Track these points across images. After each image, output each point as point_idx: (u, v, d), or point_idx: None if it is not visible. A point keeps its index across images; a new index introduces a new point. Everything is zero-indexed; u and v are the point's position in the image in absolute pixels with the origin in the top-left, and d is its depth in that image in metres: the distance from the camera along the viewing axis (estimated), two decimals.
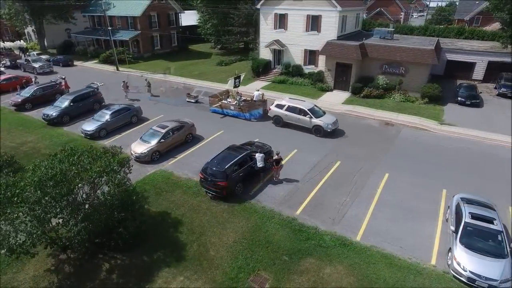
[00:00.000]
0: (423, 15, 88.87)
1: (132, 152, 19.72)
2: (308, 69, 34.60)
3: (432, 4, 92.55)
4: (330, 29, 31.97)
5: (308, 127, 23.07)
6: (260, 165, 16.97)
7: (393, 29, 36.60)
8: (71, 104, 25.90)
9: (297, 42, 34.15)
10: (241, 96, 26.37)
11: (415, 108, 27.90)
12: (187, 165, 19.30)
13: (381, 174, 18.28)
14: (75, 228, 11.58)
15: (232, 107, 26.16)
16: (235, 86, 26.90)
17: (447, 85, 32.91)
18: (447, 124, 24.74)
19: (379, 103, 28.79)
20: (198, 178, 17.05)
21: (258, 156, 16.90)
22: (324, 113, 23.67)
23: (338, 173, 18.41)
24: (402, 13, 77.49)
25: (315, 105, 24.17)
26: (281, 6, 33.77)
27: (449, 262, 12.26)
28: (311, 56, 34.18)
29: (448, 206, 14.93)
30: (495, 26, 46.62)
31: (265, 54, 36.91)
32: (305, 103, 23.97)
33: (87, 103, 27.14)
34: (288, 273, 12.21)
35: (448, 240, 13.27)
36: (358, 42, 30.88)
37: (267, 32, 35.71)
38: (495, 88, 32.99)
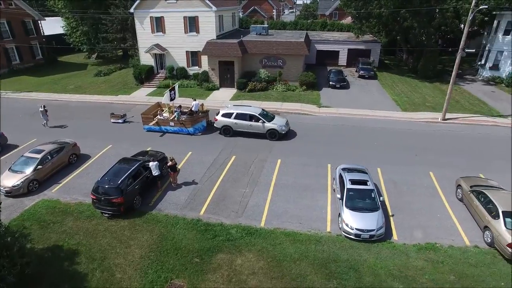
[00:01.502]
0: (293, 12, 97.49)
1: (1, 187, 16.82)
2: (192, 70, 34.65)
3: (299, 2, 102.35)
4: (208, 29, 32.55)
5: (261, 132, 22.25)
6: (156, 174, 16.43)
7: (267, 26, 39.29)
8: None
9: (178, 44, 33.80)
10: (181, 109, 23.63)
11: (296, 95, 30.67)
12: (75, 189, 17.43)
13: (274, 161, 19.64)
14: None
15: (172, 123, 23.44)
16: (171, 99, 23.87)
17: (320, 72, 37.09)
18: (325, 107, 27.93)
19: (264, 95, 30.72)
20: (90, 200, 15.59)
21: (152, 164, 16.32)
22: (274, 116, 23.19)
23: (235, 167, 19.09)
24: (274, 10, 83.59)
25: (263, 109, 23.48)
26: (156, 9, 32.85)
27: (340, 225, 13.99)
28: (193, 57, 34.28)
29: (333, 178, 16.91)
30: (348, 19, 54.22)
31: (146, 59, 35.48)
32: (252, 108, 23.16)
33: None
34: (202, 274, 12.22)
35: (337, 207, 15.11)
36: (237, 40, 32.23)
37: (145, 36, 34.35)
38: (356, 71, 38.63)
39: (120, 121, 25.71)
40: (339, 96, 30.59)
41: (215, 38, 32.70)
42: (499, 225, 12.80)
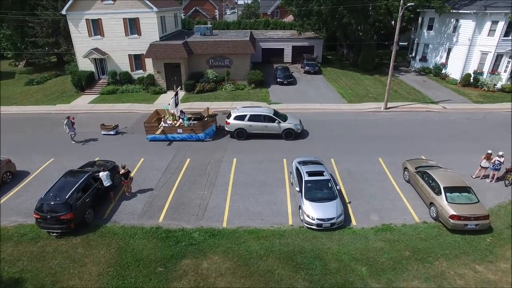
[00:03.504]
0: (235, 11, 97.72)
1: None
2: (137, 74, 33.14)
3: (240, 2, 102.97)
4: (151, 31, 31.39)
5: (277, 133, 21.75)
6: (108, 184, 15.43)
7: (211, 26, 38.90)
8: None
9: (119, 48, 32.13)
10: (185, 114, 22.62)
11: (246, 94, 30.79)
12: (13, 210, 15.67)
13: (230, 160, 19.50)
14: None
15: (180, 130, 22.07)
16: (176, 105, 22.76)
17: (266, 70, 37.62)
18: (275, 103, 28.34)
19: (213, 96, 30.42)
20: (33, 221, 14.16)
21: (103, 175, 15.30)
22: (286, 115, 22.66)
23: (191, 170, 18.63)
24: (217, 11, 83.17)
25: (274, 109, 22.98)
26: (92, 11, 30.85)
27: (302, 217, 14.25)
28: (137, 60, 32.82)
29: (290, 172, 17.22)
30: (290, 18, 55.71)
31: (85, 65, 33.16)
32: (265, 109, 22.61)
33: None
34: (168, 283, 11.71)
35: (296, 200, 15.39)
36: (182, 41, 31.49)
37: (81, 40, 32.10)
38: (302, 67, 39.80)
39: (111, 132, 23.35)
40: (287, 92, 31.27)
41: (158, 40, 31.62)
42: (442, 200, 13.98)
